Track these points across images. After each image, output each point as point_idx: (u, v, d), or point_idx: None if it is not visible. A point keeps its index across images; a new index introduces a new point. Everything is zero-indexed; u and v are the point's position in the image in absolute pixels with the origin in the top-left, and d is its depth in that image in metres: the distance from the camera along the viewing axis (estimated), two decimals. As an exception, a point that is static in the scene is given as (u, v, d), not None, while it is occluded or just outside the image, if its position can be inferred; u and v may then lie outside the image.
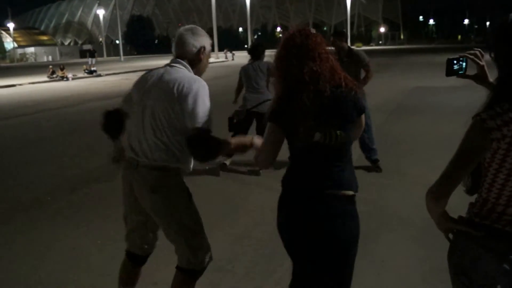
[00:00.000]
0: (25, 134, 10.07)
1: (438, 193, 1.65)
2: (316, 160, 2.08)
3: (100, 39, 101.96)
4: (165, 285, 2.72)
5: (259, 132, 5.85)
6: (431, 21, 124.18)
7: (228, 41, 76.57)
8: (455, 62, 1.93)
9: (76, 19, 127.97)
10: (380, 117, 9.39)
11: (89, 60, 33.61)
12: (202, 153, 2.39)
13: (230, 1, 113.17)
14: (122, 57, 58.61)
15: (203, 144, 2.36)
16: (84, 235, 4.40)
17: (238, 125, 4.97)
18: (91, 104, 14.60)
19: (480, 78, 1.94)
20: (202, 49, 2.58)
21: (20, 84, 24.22)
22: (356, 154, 5.59)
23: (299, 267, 2.23)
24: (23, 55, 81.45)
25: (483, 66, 1.92)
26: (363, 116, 2.16)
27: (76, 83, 24.33)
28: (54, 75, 27.14)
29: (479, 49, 1.92)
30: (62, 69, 27.10)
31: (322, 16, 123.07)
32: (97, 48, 48.22)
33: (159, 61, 28.72)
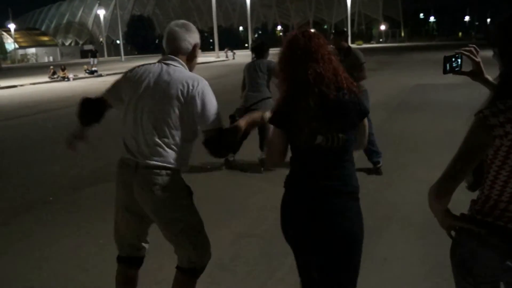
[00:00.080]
0: (26, 135, 10.09)
1: (441, 190, 1.64)
2: (317, 161, 2.09)
3: (101, 39, 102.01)
4: (167, 284, 2.72)
5: (261, 130, 5.88)
6: (432, 19, 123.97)
7: (229, 40, 76.52)
8: (453, 59, 1.93)
9: (77, 19, 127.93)
10: (381, 114, 9.39)
11: (91, 60, 33.68)
12: (220, 151, 2.51)
13: (230, 0, 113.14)
14: (123, 57, 58.64)
15: (219, 143, 2.44)
16: (85, 235, 4.40)
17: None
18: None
19: (476, 74, 1.94)
20: (196, 46, 2.58)
21: (21, 85, 24.25)
22: (356, 153, 5.57)
23: (304, 266, 2.24)
24: (24, 56, 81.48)
25: (479, 62, 1.92)
26: (365, 120, 2.16)
27: (77, 84, 24.34)
28: (55, 76, 27.16)
29: (474, 46, 1.92)
30: (63, 70, 27.12)
31: (322, 14, 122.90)
32: (98, 48, 48.19)
33: (160, 61, 28.64)
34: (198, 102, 2.39)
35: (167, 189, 2.42)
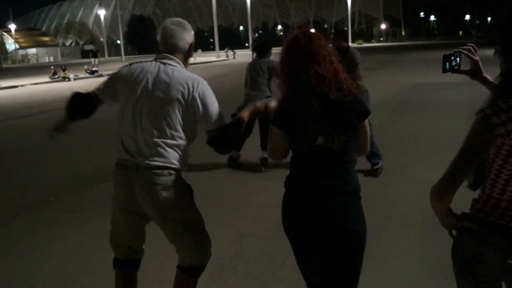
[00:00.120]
0: (28, 135, 10.08)
1: (443, 190, 1.64)
2: (318, 161, 2.09)
3: (101, 39, 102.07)
4: (170, 283, 2.72)
5: (262, 128, 5.91)
6: (432, 17, 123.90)
7: (229, 39, 76.60)
8: (452, 58, 1.94)
9: (77, 19, 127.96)
10: (381, 114, 9.38)
11: (92, 60, 33.74)
12: (224, 148, 2.55)
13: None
14: (124, 57, 58.60)
15: (223, 141, 2.49)
16: (87, 234, 4.40)
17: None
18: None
19: (474, 73, 1.94)
20: (192, 45, 2.57)
21: (22, 85, 24.28)
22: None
23: (305, 264, 2.24)
24: (25, 56, 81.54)
25: (477, 61, 1.92)
26: (366, 121, 2.15)
27: (78, 84, 24.33)
28: (56, 76, 27.19)
29: (472, 44, 1.93)
30: (63, 70, 27.16)
31: (322, 14, 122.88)
32: (99, 48, 48.29)
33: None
34: (199, 103, 2.40)
35: (169, 189, 2.42)
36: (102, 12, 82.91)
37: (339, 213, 2.07)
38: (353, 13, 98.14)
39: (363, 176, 5.60)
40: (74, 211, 5.12)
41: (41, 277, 3.64)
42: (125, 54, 62.97)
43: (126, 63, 2.65)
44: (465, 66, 1.97)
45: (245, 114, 2.55)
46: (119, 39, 69.49)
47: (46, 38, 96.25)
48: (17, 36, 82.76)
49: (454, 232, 1.77)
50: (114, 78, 2.61)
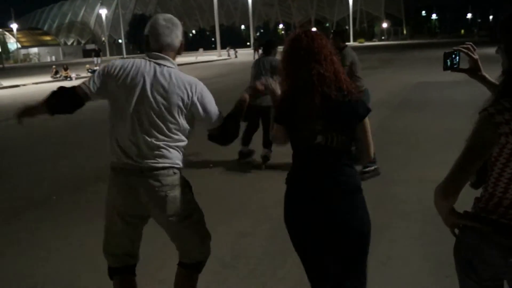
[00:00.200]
0: (29, 134, 10.09)
1: (448, 189, 1.63)
2: (317, 160, 2.11)
3: (103, 39, 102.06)
4: (170, 282, 2.72)
5: (265, 125, 5.92)
6: (434, 16, 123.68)
7: (231, 38, 76.55)
8: (453, 56, 1.94)
9: (79, 19, 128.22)
10: (383, 112, 9.39)
11: (95, 59, 33.86)
12: (227, 140, 2.57)
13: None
14: (125, 56, 58.80)
15: (225, 135, 2.54)
16: (89, 233, 4.40)
17: (244, 119, 5.14)
18: (94, 103, 14.58)
19: (473, 71, 1.94)
20: (182, 42, 2.57)
21: (24, 85, 24.33)
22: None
23: (308, 262, 2.25)
24: (27, 55, 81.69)
25: (476, 59, 1.92)
26: (366, 120, 2.15)
27: (79, 83, 24.36)
28: (58, 75, 27.26)
29: (471, 43, 1.93)
30: (65, 69, 27.23)
31: (324, 13, 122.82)
32: (100, 48, 48.34)
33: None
34: (199, 106, 2.43)
35: (175, 187, 2.45)
36: (103, 11, 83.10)
37: (339, 212, 2.08)
38: (354, 11, 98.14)
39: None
40: (77, 210, 5.13)
41: (43, 276, 3.64)
42: (127, 53, 63.20)
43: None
44: (465, 65, 1.97)
45: (246, 96, 2.60)
46: (121, 38, 69.69)
47: (48, 38, 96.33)
48: (19, 36, 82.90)
49: (456, 231, 1.77)
50: (105, 77, 2.49)
